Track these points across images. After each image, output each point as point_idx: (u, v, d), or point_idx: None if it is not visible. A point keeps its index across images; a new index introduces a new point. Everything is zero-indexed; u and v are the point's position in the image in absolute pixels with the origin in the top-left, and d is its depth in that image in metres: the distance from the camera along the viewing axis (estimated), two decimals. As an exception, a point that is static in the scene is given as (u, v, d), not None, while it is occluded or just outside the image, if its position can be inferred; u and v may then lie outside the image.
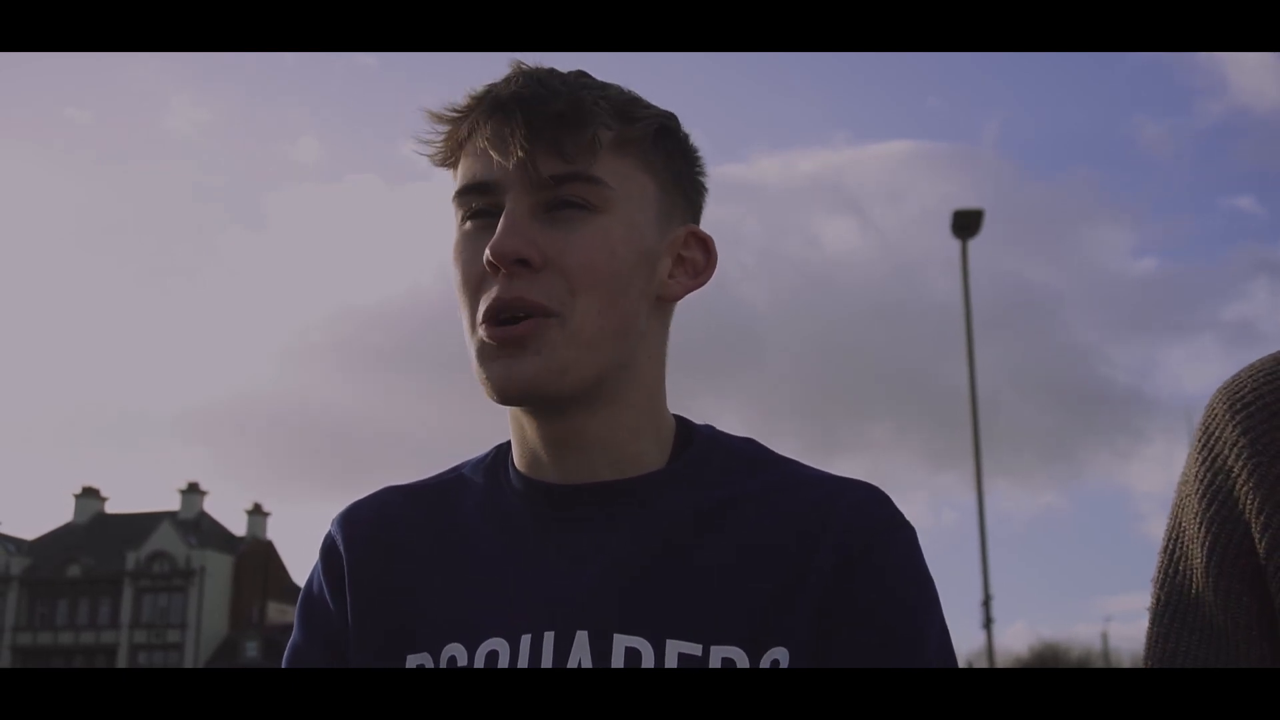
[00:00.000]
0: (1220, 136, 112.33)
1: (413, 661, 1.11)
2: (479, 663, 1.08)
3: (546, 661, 1.06)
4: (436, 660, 1.10)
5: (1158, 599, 1.21)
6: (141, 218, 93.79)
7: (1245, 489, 1.12)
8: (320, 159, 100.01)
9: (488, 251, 1.06)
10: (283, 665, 1.20)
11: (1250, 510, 1.12)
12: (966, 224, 17.06)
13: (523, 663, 1.06)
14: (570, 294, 1.07)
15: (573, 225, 1.08)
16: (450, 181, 1.15)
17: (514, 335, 1.06)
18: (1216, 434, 1.17)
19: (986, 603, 15.39)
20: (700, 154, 1.20)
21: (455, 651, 1.09)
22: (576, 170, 1.07)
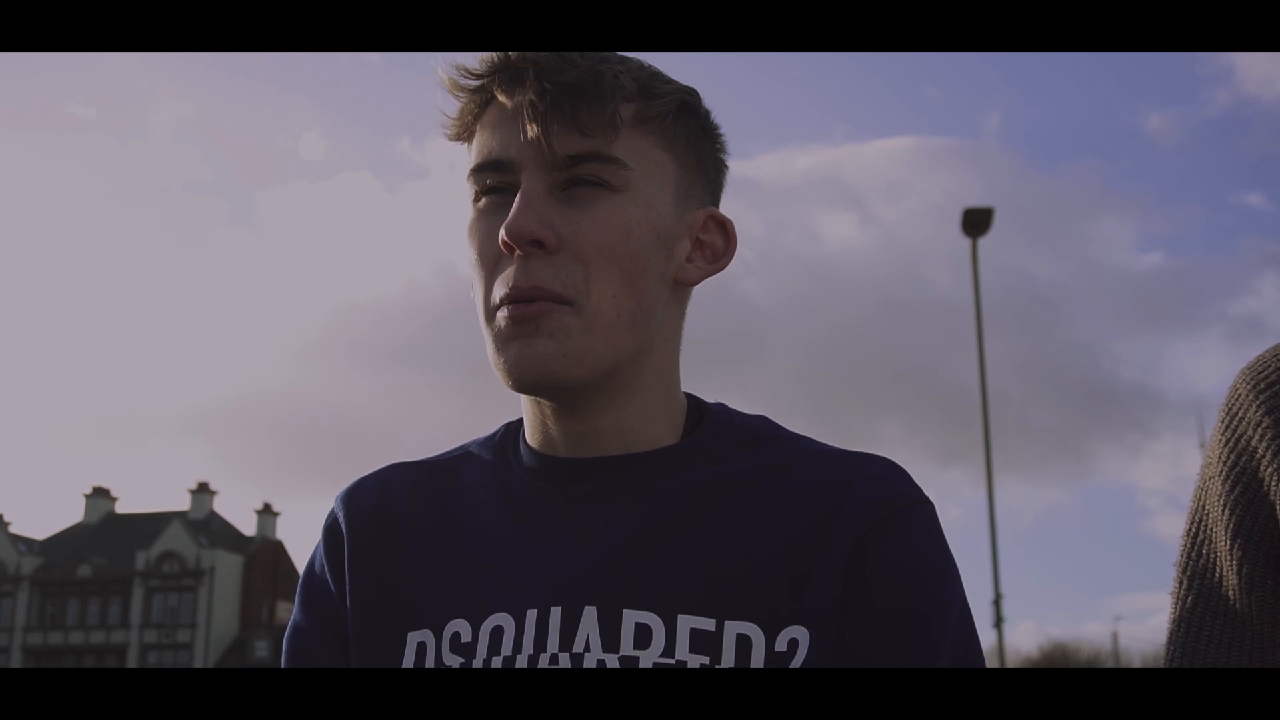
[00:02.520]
0: (1227, 126, 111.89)
1: (414, 639, 1.09)
2: (483, 639, 1.06)
3: (553, 637, 1.04)
4: (439, 637, 1.07)
5: (1180, 583, 1.20)
6: (146, 216, 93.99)
7: (1270, 470, 1.11)
8: (325, 156, 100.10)
9: (502, 232, 1.04)
10: (284, 645, 1.18)
11: (1275, 492, 1.10)
12: (977, 222, 16.99)
13: (528, 639, 1.04)
14: (585, 278, 1.04)
15: (589, 204, 1.05)
16: (466, 157, 1.12)
17: (529, 313, 1.04)
18: (1240, 415, 1.15)
19: (997, 601, 15.35)
20: (721, 132, 1.17)
21: (459, 627, 1.07)
22: (595, 149, 1.04)
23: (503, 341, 1.06)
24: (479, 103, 1.09)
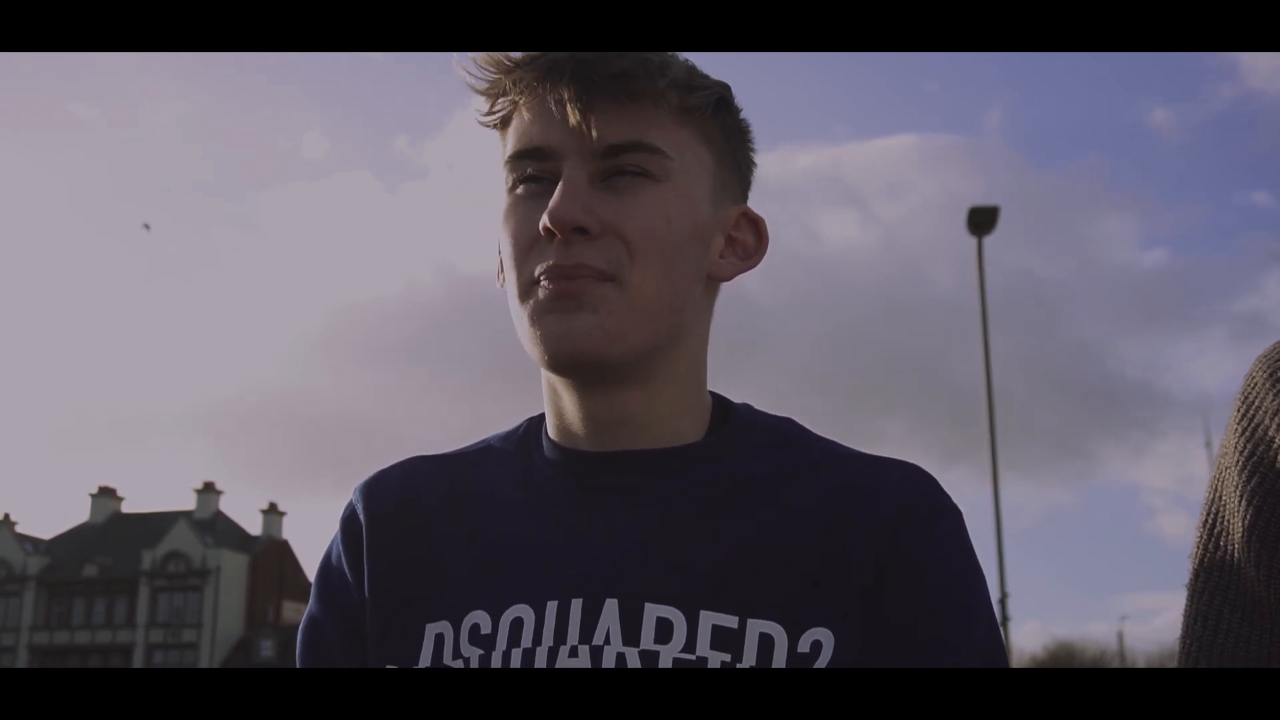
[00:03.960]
0: (1231, 121, 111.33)
1: (432, 630, 1.08)
2: (502, 630, 1.05)
3: (573, 629, 1.03)
4: (458, 629, 1.07)
5: (1196, 576, 1.18)
6: (149, 215, 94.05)
7: None
8: (326, 156, 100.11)
9: (545, 218, 1.03)
10: (299, 636, 1.18)
11: None
12: (982, 221, 16.95)
13: (548, 631, 1.04)
14: (629, 259, 1.05)
15: (631, 193, 1.05)
16: (498, 144, 1.12)
17: (571, 290, 1.04)
18: (1256, 403, 1.14)
19: (1003, 601, 15.34)
20: (751, 129, 1.17)
21: (478, 619, 1.06)
22: (637, 139, 1.05)
23: (539, 315, 1.05)
24: (517, 92, 1.08)
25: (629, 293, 1.04)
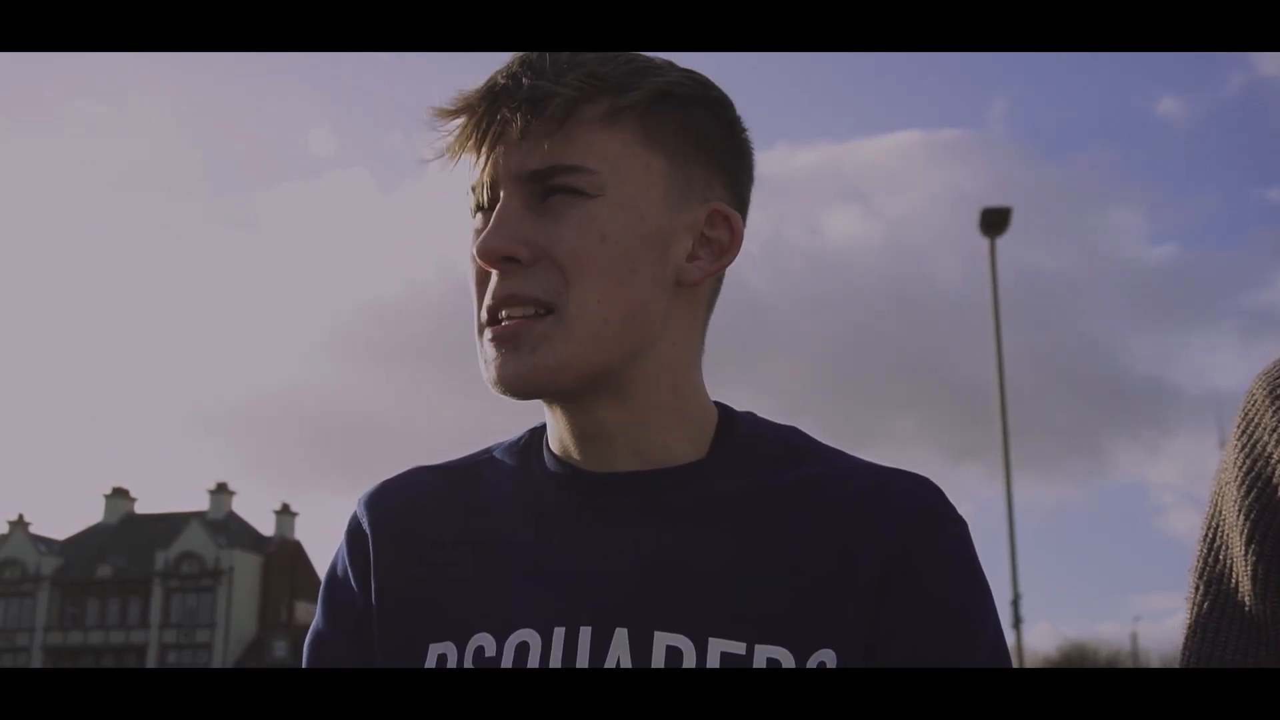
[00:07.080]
0: (1242, 110, 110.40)
1: (436, 651, 1.07)
2: (508, 655, 1.04)
3: (582, 657, 1.02)
4: (462, 651, 1.06)
5: (1196, 589, 1.19)
6: (162, 215, 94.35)
7: None
8: (335, 153, 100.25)
9: (475, 251, 1.04)
10: (304, 651, 1.17)
11: None
12: (995, 222, 16.92)
13: (555, 657, 1.02)
14: (565, 285, 1.03)
15: (563, 213, 1.03)
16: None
17: (507, 333, 1.03)
18: (1256, 420, 1.14)
19: (1015, 602, 15.30)
20: (735, 120, 1.12)
21: (483, 642, 1.05)
22: (554, 161, 1.02)
23: (486, 359, 1.06)
24: (460, 128, 1.07)
25: (566, 322, 1.03)
